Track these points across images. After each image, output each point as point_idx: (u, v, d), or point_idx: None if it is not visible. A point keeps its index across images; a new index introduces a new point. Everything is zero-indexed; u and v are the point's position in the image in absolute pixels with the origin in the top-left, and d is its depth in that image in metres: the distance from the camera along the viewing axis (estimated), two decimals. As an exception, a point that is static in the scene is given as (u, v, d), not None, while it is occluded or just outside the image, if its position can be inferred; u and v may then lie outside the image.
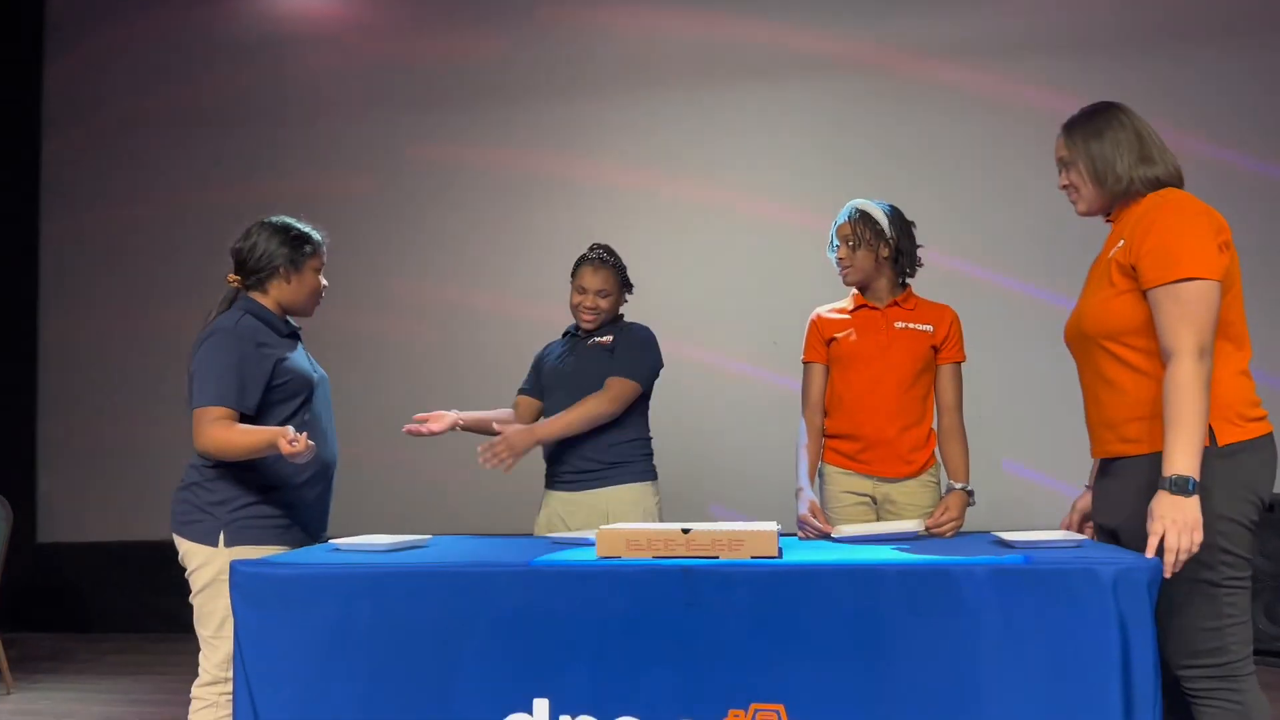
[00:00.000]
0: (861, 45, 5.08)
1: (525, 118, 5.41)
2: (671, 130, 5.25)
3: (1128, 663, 1.70)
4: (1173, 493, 1.78)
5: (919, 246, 2.70)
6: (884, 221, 2.64)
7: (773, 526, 1.95)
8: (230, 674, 2.14)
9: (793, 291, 4.75)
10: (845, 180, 4.82)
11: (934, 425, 2.67)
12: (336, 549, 2.18)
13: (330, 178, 5.51)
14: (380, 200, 5.52)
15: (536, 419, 2.95)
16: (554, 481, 2.90)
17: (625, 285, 2.95)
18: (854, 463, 2.63)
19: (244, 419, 2.32)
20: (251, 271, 2.47)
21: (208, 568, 2.31)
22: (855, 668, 1.77)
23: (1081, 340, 2.04)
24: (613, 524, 2.36)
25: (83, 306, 5.82)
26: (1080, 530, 2.24)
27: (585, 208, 5.26)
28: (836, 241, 2.67)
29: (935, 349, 2.62)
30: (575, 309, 2.90)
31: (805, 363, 2.72)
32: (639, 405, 2.86)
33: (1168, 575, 1.76)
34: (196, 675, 2.34)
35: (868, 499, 2.64)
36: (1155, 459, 1.86)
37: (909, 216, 2.71)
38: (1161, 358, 1.87)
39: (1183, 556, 1.76)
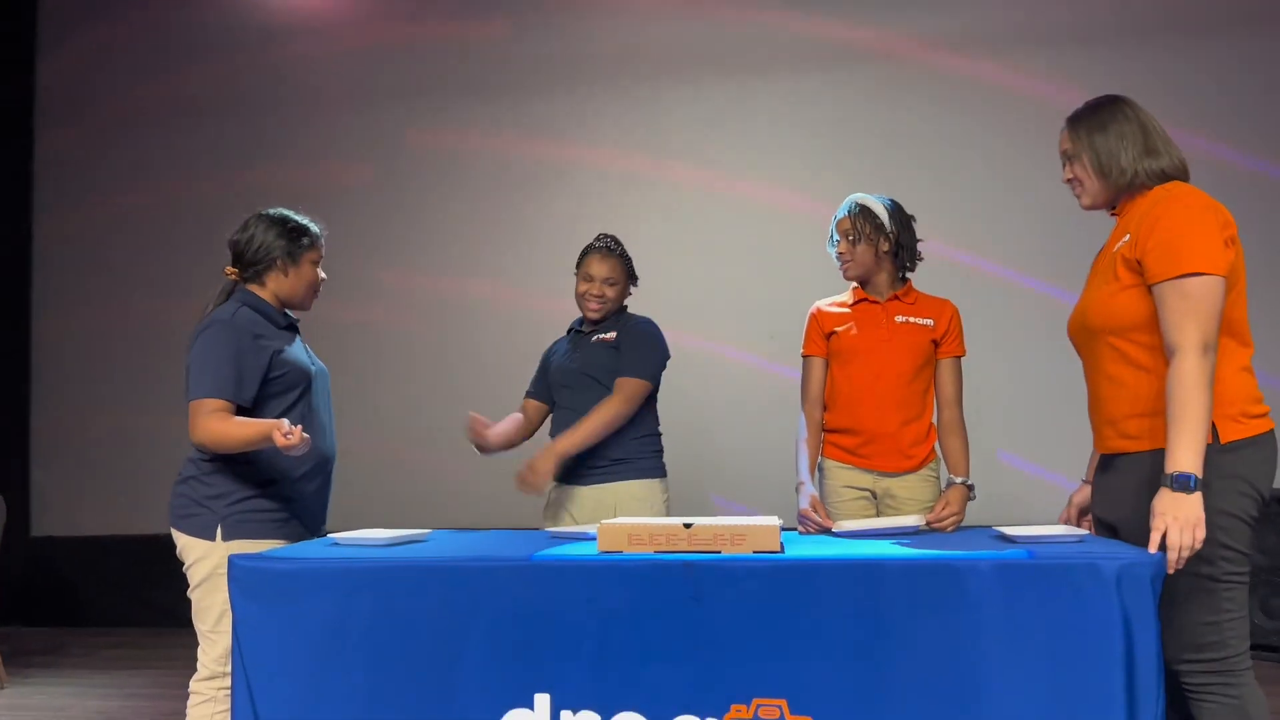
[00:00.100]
0: (863, 35, 5.07)
1: (524, 106, 5.39)
2: (671, 120, 5.24)
3: (1131, 658, 1.70)
4: (1175, 490, 1.78)
5: (919, 240, 2.70)
6: (884, 216, 2.63)
7: (775, 521, 1.94)
8: (229, 668, 2.13)
9: (790, 284, 4.75)
10: (845, 172, 4.81)
11: (934, 419, 2.66)
12: (335, 543, 2.16)
13: (325, 168, 5.48)
14: (377, 190, 5.49)
15: (544, 420, 2.98)
16: (564, 476, 2.88)
17: (631, 276, 2.94)
18: (854, 457, 2.63)
19: (241, 411, 2.31)
20: (249, 264, 2.45)
21: (205, 562, 2.29)
22: (858, 662, 1.77)
23: (1085, 335, 2.04)
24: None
25: (75, 300, 5.80)
26: (1079, 524, 2.25)
27: (583, 197, 5.25)
28: (836, 236, 2.66)
29: (935, 343, 2.61)
30: (581, 298, 2.89)
31: (805, 356, 2.71)
32: (648, 400, 2.85)
33: (1170, 572, 1.76)
34: (192, 669, 2.33)
35: (868, 493, 2.63)
36: (1156, 456, 1.87)
37: (908, 209, 2.70)
38: (1165, 353, 1.87)
39: (1185, 554, 1.76)
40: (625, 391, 2.76)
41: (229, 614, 1.99)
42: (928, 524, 2.33)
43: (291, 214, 2.50)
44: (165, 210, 5.70)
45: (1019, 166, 4.81)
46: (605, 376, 2.80)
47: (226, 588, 1.96)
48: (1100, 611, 1.71)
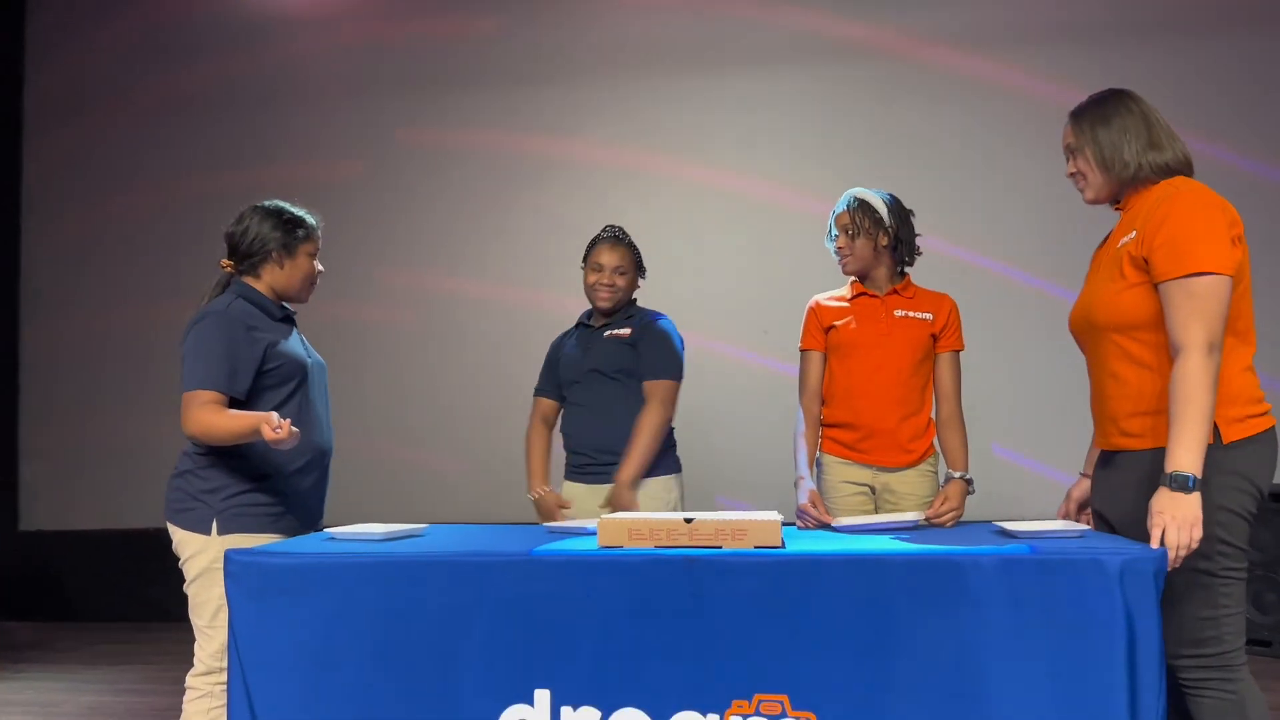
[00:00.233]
0: (861, 30, 5.05)
1: (515, 101, 5.36)
2: (664, 114, 5.21)
3: (1133, 652, 1.70)
4: (1173, 489, 1.78)
5: (918, 235, 2.69)
6: (883, 210, 2.62)
7: (776, 516, 1.93)
8: (225, 663, 2.12)
9: (784, 279, 4.75)
10: (838, 168, 4.81)
11: (932, 414, 2.66)
12: (332, 538, 2.15)
13: (315, 166, 5.43)
14: (367, 187, 5.45)
15: (556, 418, 2.98)
16: (575, 472, 2.87)
17: (640, 266, 2.93)
18: (853, 452, 2.62)
19: (235, 404, 2.29)
20: (244, 256, 2.43)
21: (201, 556, 2.28)
22: (860, 658, 1.76)
23: (1089, 330, 2.03)
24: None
25: (65, 295, 5.74)
26: (1077, 517, 2.25)
27: (575, 193, 5.22)
28: (835, 230, 2.65)
29: (934, 337, 2.61)
30: (591, 288, 2.87)
31: (803, 350, 2.70)
32: None
33: (1168, 570, 1.76)
34: (183, 664, 2.32)
35: (866, 489, 2.63)
36: (1156, 455, 1.87)
37: (905, 204, 2.70)
38: (1170, 351, 1.87)
39: (1182, 553, 1.77)
40: (660, 395, 2.78)
41: (225, 609, 1.97)
42: (926, 519, 2.32)
43: (287, 206, 2.48)
44: (153, 203, 5.65)
45: (1015, 163, 4.81)
46: (618, 373, 2.79)
47: (222, 582, 1.95)
48: (1103, 606, 1.71)
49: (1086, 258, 2.16)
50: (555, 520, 2.74)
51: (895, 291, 2.64)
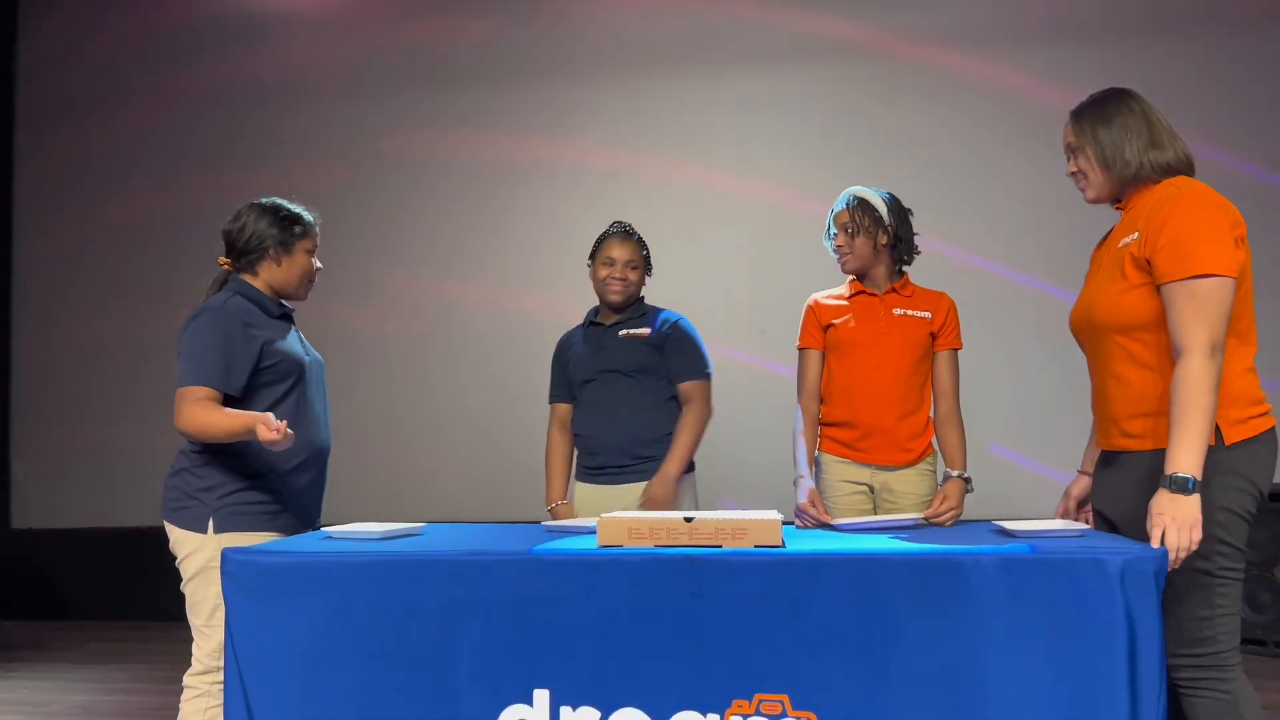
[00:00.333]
0: (858, 30, 5.05)
1: (513, 101, 5.35)
2: (663, 114, 5.20)
3: (1134, 652, 1.70)
4: (1173, 491, 1.78)
5: (916, 235, 2.68)
6: (882, 209, 2.62)
7: (776, 515, 1.92)
8: (222, 663, 2.10)
9: (780, 279, 4.75)
10: (834, 167, 4.81)
11: (931, 413, 2.65)
12: (329, 537, 2.14)
13: (306, 168, 5.40)
14: (365, 187, 5.43)
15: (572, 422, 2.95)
16: (589, 474, 2.85)
17: (649, 262, 2.93)
18: (852, 451, 2.61)
19: (231, 401, 2.28)
20: (241, 253, 2.42)
21: (198, 555, 2.26)
22: (861, 657, 1.76)
23: (1090, 331, 2.03)
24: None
25: (56, 292, 5.71)
26: (1076, 515, 2.25)
27: (573, 193, 5.22)
28: (834, 229, 2.65)
29: (933, 336, 2.60)
30: (603, 282, 2.85)
31: (801, 349, 2.69)
32: (673, 397, 2.84)
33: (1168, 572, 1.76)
34: (176, 664, 2.31)
35: (865, 488, 2.62)
36: (1156, 456, 1.87)
37: (904, 203, 2.69)
38: (1172, 353, 1.86)
39: (1182, 555, 1.77)
40: (699, 395, 2.81)
41: (222, 607, 1.96)
42: (925, 519, 2.32)
43: (284, 203, 2.47)
44: (145, 204, 5.62)
45: (1014, 163, 4.81)
46: (636, 371, 2.78)
47: (219, 581, 1.93)
48: (1104, 606, 1.70)
49: (1085, 258, 2.16)
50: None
51: (894, 290, 2.63)
